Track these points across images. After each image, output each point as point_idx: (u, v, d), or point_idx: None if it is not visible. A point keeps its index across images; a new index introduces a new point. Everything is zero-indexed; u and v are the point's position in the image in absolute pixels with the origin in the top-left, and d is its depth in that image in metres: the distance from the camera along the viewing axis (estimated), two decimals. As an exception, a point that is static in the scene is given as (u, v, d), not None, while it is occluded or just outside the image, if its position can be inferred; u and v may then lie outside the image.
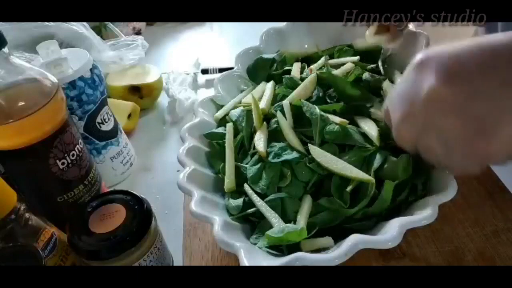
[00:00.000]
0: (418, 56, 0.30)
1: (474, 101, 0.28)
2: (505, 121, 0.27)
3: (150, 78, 0.70)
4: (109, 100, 0.56)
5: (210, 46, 0.90)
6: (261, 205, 0.40)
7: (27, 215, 0.34)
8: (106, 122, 0.53)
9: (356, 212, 0.38)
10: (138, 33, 0.91)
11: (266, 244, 0.37)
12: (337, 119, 0.43)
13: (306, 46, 0.61)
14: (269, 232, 0.36)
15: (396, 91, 0.33)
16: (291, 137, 0.43)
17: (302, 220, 0.38)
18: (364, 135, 0.42)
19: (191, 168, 0.43)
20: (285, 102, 0.45)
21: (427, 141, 0.32)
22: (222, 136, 0.48)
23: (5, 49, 0.36)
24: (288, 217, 0.39)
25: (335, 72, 0.50)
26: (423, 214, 0.33)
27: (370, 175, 0.38)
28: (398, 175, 0.38)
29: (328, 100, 0.48)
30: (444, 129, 0.29)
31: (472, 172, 0.31)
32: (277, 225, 0.37)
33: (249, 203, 0.41)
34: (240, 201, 0.41)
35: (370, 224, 0.38)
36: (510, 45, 0.26)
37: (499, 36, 0.27)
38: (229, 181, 0.43)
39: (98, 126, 0.52)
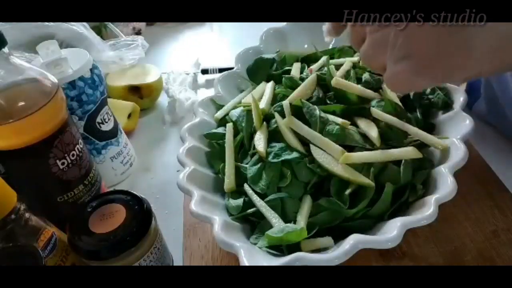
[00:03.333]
0: None
1: None
2: (483, 28, 0.26)
3: (150, 78, 0.70)
4: (109, 100, 0.56)
5: (210, 46, 0.90)
6: (261, 205, 0.40)
7: (27, 215, 0.34)
8: (106, 122, 0.53)
9: (356, 213, 0.38)
10: (138, 33, 0.90)
11: (266, 244, 0.37)
12: (338, 120, 0.43)
13: (306, 46, 0.62)
14: (269, 232, 0.36)
15: None
16: (290, 137, 0.43)
17: (302, 220, 0.38)
18: (364, 136, 0.42)
19: (191, 168, 0.43)
20: (285, 103, 0.45)
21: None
22: (222, 136, 0.48)
23: (5, 49, 0.36)
24: (288, 217, 0.39)
25: (336, 73, 0.50)
26: (423, 214, 0.33)
27: (370, 178, 0.38)
28: (399, 179, 0.38)
29: (328, 102, 0.48)
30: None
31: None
32: (277, 225, 0.37)
33: (249, 203, 0.41)
34: (240, 201, 0.41)
35: (370, 223, 0.38)
36: None
37: None
38: (229, 181, 0.43)
39: (98, 126, 0.52)
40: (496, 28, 0.26)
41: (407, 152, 0.40)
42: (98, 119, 0.52)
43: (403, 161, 0.39)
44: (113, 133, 0.54)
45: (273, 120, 0.46)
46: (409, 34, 0.29)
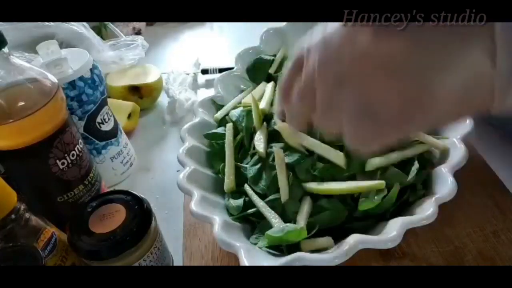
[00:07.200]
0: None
1: (414, 55, 0.23)
2: (447, 75, 0.23)
3: (150, 78, 0.70)
4: (109, 100, 0.56)
5: (210, 46, 0.90)
6: (261, 205, 0.40)
7: (27, 215, 0.34)
8: (106, 122, 0.53)
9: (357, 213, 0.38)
10: (138, 33, 0.90)
11: (266, 244, 0.37)
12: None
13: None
14: (269, 232, 0.36)
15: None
16: (290, 138, 0.42)
17: (302, 220, 0.38)
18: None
19: (191, 168, 0.43)
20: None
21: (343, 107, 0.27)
22: (222, 136, 0.48)
23: (5, 49, 0.36)
24: (288, 218, 0.39)
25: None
26: (423, 214, 0.33)
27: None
28: (401, 180, 0.38)
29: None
30: (373, 94, 0.25)
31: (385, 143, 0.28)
32: (277, 225, 0.37)
33: (249, 203, 0.41)
34: (240, 201, 0.41)
35: (370, 224, 0.38)
36: None
37: None
38: (229, 181, 0.43)
39: (98, 126, 0.52)
40: (457, 73, 0.24)
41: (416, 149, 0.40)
42: (98, 119, 0.52)
43: (415, 161, 0.39)
44: (113, 133, 0.54)
45: (273, 120, 0.46)
46: (364, 91, 0.26)
